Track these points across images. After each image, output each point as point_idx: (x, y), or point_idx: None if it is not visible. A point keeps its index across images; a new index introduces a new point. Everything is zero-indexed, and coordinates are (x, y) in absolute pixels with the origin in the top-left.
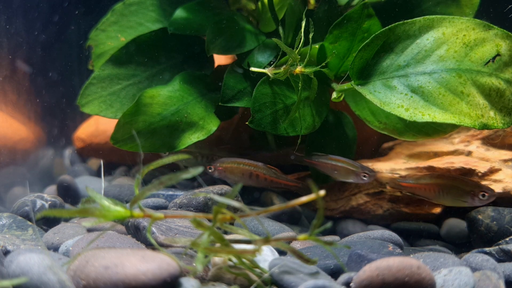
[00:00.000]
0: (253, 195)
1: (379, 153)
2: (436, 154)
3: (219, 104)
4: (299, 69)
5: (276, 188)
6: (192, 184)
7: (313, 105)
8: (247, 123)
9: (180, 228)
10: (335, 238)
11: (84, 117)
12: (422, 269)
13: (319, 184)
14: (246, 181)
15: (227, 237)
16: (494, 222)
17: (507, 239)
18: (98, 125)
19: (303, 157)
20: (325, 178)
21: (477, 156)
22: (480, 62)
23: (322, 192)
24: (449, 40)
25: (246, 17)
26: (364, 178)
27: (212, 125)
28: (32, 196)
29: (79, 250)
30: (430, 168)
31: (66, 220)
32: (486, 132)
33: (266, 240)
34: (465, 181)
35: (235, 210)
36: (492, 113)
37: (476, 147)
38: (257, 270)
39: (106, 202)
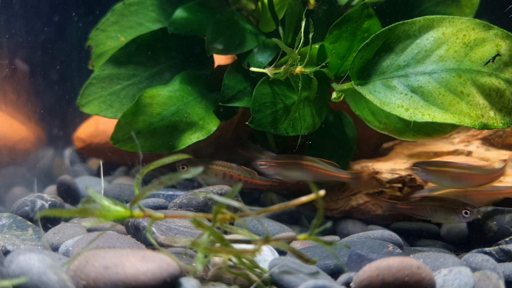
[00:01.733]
0: (253, 195)
1: (379, 153)
2: (436, 154)
3: (219, 104)
4: (299, 69)
5: (251, 189)
6: (192, 184)
7: (313, 105)
8: (247, 123)
9: (180, 228)
10: (335, 238)
11: (84, 117)
12: (422, 269)
13: (319, 184)
14: (219, 182)
15: (227, 237)
16: (494, 222)
17: (507, 239)
18: (98, 125)
19: (395, 205)
20: None
21: (477, 156)
22: (480, 62)
23: (322, 192)
24: (449, 40)
25: (246, 17)
26: (466, 215)
27: (212, 125)
28: (32, 196)
29: (79, 250)
30: None
31: (66, 220)
32: (486, 132)
33: (266, 240)
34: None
35: (235, 210)
36: (492, 113)
37: (476, 147)
38: (257, 270)
39: (106, 202)
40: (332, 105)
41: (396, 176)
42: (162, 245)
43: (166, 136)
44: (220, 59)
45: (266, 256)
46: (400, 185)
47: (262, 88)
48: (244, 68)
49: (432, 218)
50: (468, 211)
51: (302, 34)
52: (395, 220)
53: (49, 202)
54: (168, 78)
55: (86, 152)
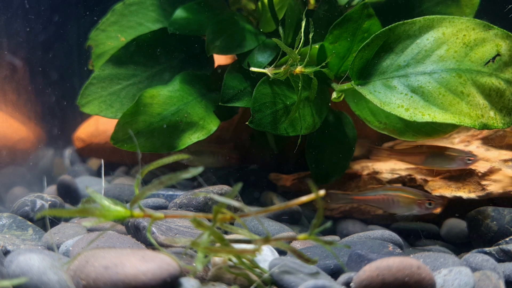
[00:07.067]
0: (253, 195)
1: None
2: None
3: (219, 104)
4: (299, 69)
5: None
6: (192, 184)
7: (313, 105)
8: (247, 123)
9: (180, 228)
10: (335, 238)
11: (84, 117)
12: (422, 269)
13: (319, 184)
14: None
15: (227, 237)
16: (494, 222)
17: (507, 239)
18: (98, 125)
19: (347, 196)
20: (325, 178)
21: None
22: (480, 62)
23: (322, 192)
24: (449, 40)
25: (246, 17)
26: (429, 206)
27: (212, 125)
28: (32, 196)
29: (79, 250)
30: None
31: (66, 220)
32: (486, 132)
33: (266, 240)
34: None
35: (235, 210)
36: (492, 113)
37: (476, 147)
38: (257, 270)
39: (106, 202)
40: (332, 105)
41: (396, 176)
42: (162, 245)
43: (166, 136)
44: (220, 59)
45: (266, 256)
46: (400, 185)
47: (262, 88)
48: (244, 68)
49: (390, 209)
50: (431, 202)
51: (302, 34)
52: (395, 220)
53: (49, 202)
54: (168, 78)
55: (86, 152)
